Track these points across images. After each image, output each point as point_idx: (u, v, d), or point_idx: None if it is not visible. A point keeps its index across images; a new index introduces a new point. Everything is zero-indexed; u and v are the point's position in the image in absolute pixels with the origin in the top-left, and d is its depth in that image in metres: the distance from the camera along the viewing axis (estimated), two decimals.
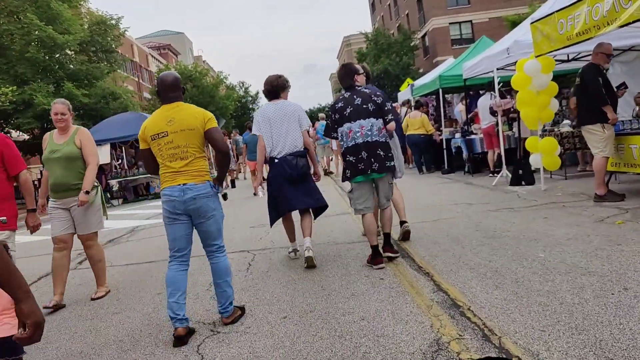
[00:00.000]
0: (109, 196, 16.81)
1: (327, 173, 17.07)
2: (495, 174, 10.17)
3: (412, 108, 14.38)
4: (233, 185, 17.41)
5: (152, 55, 51.37)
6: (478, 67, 10.25)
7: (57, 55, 19.84)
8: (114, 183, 17.26)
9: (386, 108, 4.91)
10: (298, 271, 5.12)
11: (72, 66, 20.92)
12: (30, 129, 19.50)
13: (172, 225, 3.75)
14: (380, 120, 4.89)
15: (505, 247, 4.95)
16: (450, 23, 40.28)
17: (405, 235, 5.78)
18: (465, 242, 5.34)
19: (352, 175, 4.95)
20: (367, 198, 4.97)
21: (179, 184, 3.64)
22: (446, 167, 12.61)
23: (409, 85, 20.21)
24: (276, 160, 5.33)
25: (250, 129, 11.77)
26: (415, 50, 41.44)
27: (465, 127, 11.75)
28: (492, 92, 9.87)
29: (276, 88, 5.44)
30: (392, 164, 4.94)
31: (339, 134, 5.01)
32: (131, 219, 11.77)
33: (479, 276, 4.15)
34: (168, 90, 3.75)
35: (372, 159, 4.81)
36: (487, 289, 3.82)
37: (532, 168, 8.53)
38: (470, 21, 40.27)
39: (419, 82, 15.95)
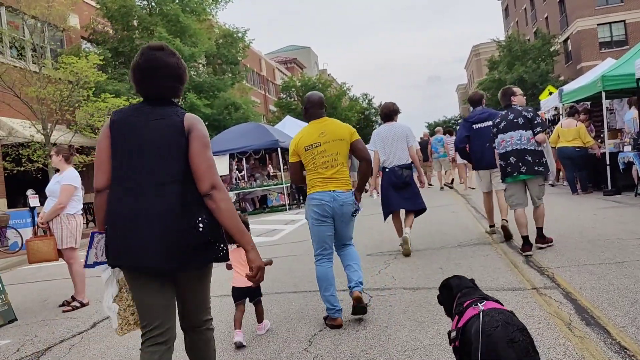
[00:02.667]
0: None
1: (446, 186, 16.09)
2: None
3: (563, 116, 12.19)
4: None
5: (278, 69, 52.52)
6: None
7: None
8: (232, 195, 16.93)
9: (535, 122, 5.67)
10: (429, 330, 3.70)
11: (198, 78, 21.26)
12: None
13: (320, 227, 4.16)
14: (530, 132, 5.65)
15: None
16: (598, 24, 35.94)
17: (505, 229, 6.63)
18: None
19: (502, 177, 5.94)
20: (518, 196, 5.85)
21: (329, 190, 4.10)
22: (609, 186, 10.28)
23: (550, 93, 17.79)
24: (387, 170, 6.55)
25: None
26: (555, 55, 37.59)
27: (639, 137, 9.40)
28: None
29: (391, 112, 6.62)
30: (542, 169, 5.64)
31: (496, 144, 5.94)
32: None
33: None
34: (316, 108, 4.29)
35: (520, 164, 5.62)
36: None
37: None
38: (624, 21, 35.58)
39: (570, 86, 13.59)
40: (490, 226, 7.21)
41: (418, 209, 6.61)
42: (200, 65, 22.66)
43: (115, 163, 2.45)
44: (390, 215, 6.72)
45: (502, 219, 6.74)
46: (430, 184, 17.08)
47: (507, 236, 6.59)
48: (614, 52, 29.70)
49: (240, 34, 23.84)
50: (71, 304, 5.81)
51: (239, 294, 4.09)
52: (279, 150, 17.05)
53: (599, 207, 8.70)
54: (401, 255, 6.49)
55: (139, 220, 2.34)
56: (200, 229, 2.37)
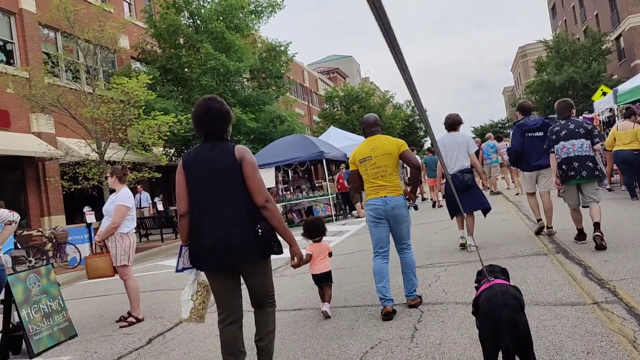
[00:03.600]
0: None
1: (494, 194, 15.77)
2: None
3: (619, 118, 11.71)
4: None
5: (321, 80, 52.83)
6: None
7: (228, 84, 20.64)
8: (279, 207, 17.09)
9: (594, 133, 6.51)
10: None
11: (243, 93, 21.60)
12: None
13: (376, 228, 4.88)
14: (589, 141, 6.42)
15: None
16: None
17: (539, 230, 7.58)
18: None
19: (563, 180, 6.51)
20: (574, 198, 6.57)
21: (381, 196, 4.80)
22: None
23: (604, 93, 17.11)
24: (449, 176, 6.72)
25: (431, 152, 15.94)
26: (607, 54, 36.20)
27: None
28: None
29: (455, 123, 7.36)
30: (600, 174, 6.39)
31: (555, 150, 6.58)
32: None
33: None
34: (370, 127, 5.06)
35: (582, 168, 6.31)
36: None
37: None
38: None
39: (625, 86, 13.00)
40: (538, 220, 7.72)
41: (484, 207, 7.32)
42: (245, 80, 23.04)
43: (193, 192, 3.30)
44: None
45: (548, 227, 7.51)
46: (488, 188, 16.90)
47: (550, 234, 7.50)
48: None
49: (282, 48, 24.11)
50: (127, 320, 5.99)
51: (317, 279, 5.25)
52: (324, 161, 17.11)
53: None
54: (452, 267, 6.37)
55: (223, 231, 3.18)
56: (260, 233, 3.23)
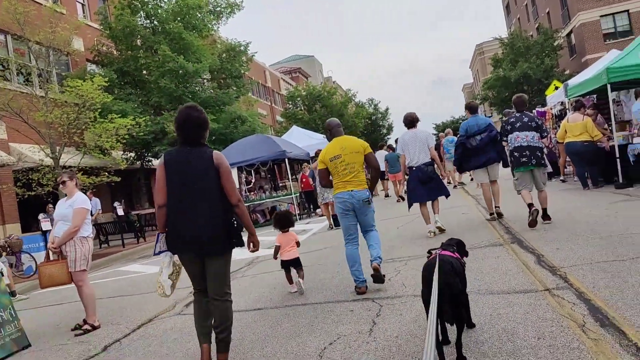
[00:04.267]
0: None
1: (457, 185, 16.51)
2: None
3: (569, 110, 12.07)
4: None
5: (283, 80, 52.69)
6: None
7: (188, 85, 20.33)
8: None
9: (543, 127, 7.52)
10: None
11: (203, 94, 21.30)
12: None
13: (345, 218, 5.43)
14: (539, 134, 7.37)
15: None
16: (601, 16, 35.56)
17: (498, 214, 8.48)
18: None
19: (515, 166, 7.43)
20: (526, 182, 7.38)
21: (348, 190, 5.34)
22: (621, 180, 10.12)
23: (556, 87, 17.62)
24: (413, 168, 7.98)
25: (392, 149, 17.07)
26: (558, 50, 37.33)
27: None
28: None
29: (414, 120, 8.14)
30: (545, 162, 7.47)
31: (508, 139, 7.52)
32: None
33: None
34: (336, 127, 5.66)
35: (532, 157, 7.22)
36: None
37: None
38: (627, 11, 35.12)
39: (575, 80, 13.43)
40: (490, 214, 8.66)
41: (445, 194, 8.10)
42: (205, 80, 22.75)
43: (170, 188, 3.72)
44: (419, 207, 8.12)
45: (496, 206, 8.48)
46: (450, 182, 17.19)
47: (499, 215, 8.47)
48: (619, 43, 29.47)
49: (242, 47, 23.90)
50: (83, 328, 5.82)
51: (286, 265, 5.99)
52: (286, 160, 17.05)
53: (610, 202, 8.55)
54: (412, 261, 6.43)
55: (196, 224, 3.65)
56: (235, 225, 3.78)
